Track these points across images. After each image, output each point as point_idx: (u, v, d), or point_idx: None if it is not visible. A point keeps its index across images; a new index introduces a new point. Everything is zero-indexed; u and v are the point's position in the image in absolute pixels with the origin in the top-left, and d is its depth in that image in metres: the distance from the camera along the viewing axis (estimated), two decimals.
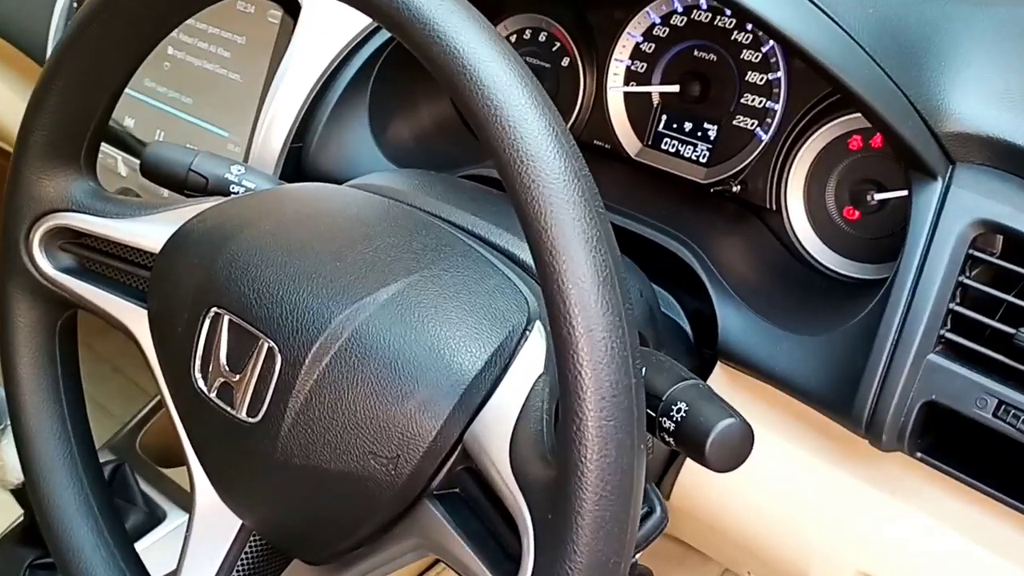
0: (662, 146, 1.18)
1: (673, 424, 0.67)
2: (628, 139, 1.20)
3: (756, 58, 1.09)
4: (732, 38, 1.11)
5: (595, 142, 1.22)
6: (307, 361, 0.69)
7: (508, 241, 0.83)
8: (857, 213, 1.05)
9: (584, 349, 0.54)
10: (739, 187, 1.10)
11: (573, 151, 0.56)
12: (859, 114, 1.02)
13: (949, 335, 0.79)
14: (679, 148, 1.17)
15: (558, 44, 1.24)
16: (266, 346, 0.71)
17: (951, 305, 0.79)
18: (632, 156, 1.19)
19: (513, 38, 1.28)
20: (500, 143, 0.55)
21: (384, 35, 1.17)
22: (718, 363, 0.98)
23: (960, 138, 0.82)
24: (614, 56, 1.20)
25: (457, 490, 0.70)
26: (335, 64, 1.17)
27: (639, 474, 0.56)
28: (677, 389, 0.69)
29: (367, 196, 0.85)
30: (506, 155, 0.55)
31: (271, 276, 0.73)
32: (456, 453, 0.69)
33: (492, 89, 0.56)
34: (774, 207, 1.09)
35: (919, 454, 0.82)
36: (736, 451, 0.66)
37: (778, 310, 0.93)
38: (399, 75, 1.21)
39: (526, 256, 0.82)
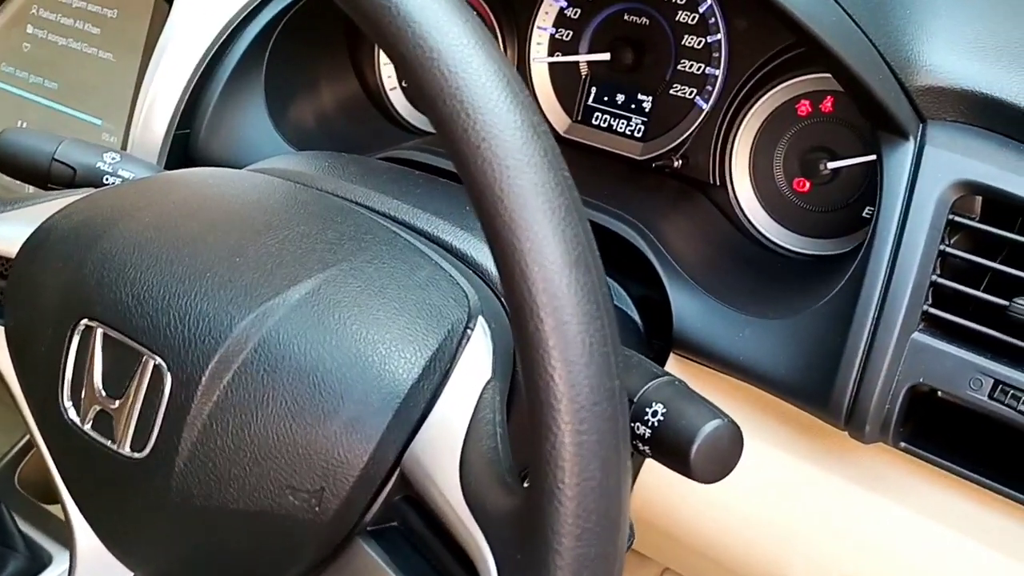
0: (593, 121, 1.08)
1: (649, 430, 0.57)
2: (555, 115, 1.10)
3: (693, 19, 1.01)
4: None
5: None
6: (204, 380, 0.57)
7: (439, 227, 0.71)
8: (808, 184, 0.97)
9: (556, 347, 0.43)
10: (680, 162, 1.01)
11: (529, 102, 0.45)
12: (807, 77, 0.95)
13: (933, 311, 0.71)
14: (612, 123, 1.07)
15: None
16: (152, 364, 0.58)
17: (934, 277, 0.71)
18: (561, 134, 1.09)
19: None
20: (439, 93, 0.44)
21: (280, 2, 1.04)
22: (671, 354, 0.89)
23: (932, 92, 0.75)
24: (536, 24, 1.09)
25: (396, 523, 0.59)
26: (223, 37, 1.03)
27: (626, 497, 0.46)
28: (651, 388, 0.59)
29: (269, 180, 0.73)
30: (447, 107, 0.43)
31: (154, 278, 0.60)
32: (393, 480, 0.57)
33: (426, 27, 0.44)
34: (718, 182, 1.00)
35: (903, 444, 0.74)
36: (725, 458, 0.56)
37: (737, 293, 0.84)
38: (298, 49, 1.08)
39: (461, 244, 0.71)
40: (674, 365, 0.88)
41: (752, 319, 0.81)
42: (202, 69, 1.03)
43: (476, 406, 0.57)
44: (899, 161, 0.74)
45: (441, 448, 0.56)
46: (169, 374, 0.58)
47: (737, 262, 0.91)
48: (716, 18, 0.99)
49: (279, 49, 1.06)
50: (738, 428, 0.57)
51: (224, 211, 0.66)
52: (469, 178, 0.44)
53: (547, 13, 1.09)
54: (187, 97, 1.03)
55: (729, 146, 1.00)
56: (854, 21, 0.72)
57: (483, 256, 0.70)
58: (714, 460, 0.56)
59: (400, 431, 0.57)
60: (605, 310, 0.45)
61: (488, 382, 0.59)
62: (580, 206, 0.46)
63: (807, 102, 0.95)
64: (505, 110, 0.44)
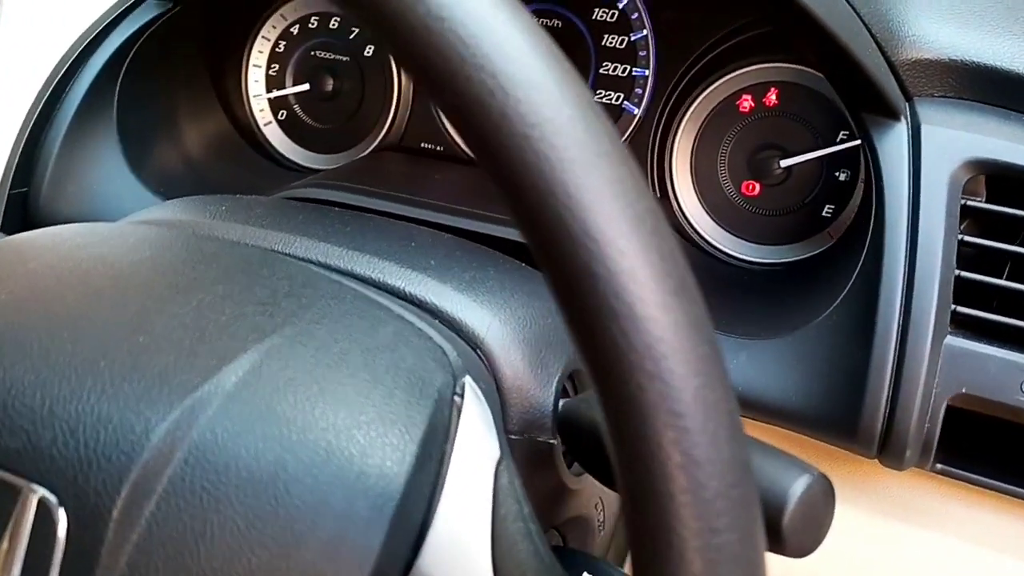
0: None
1: None
2: None
3: (612, 16, 0.91)
4: None
5: (423, 145, 0.98)
6: (116, 514, 0.40)
7: (385, 271, 0.57)
8: (757, 187, 0.88)
9: (671, 412, 0.30)
10: None
11: (585, 89, 0.32)
12: (747, 69, 0.86)
13: (963, 310, 0.63)
14: None
15: (356, 30, 0.99)
16: (35, 498, 0.41)
17: (958, 271, 0.63)
18: (472, 156, 0.96)
19: (295, 29, 1.01)
20: (458, 65, 0.30)
21: (127, 29, 0.86)
22: None
23: (919, 67, 0.67)
24: None
25: None
26: (62, 71, 0.85)
27: None
28: None
29: (160, 232, 0.56)
30: (471, 82, 0.30)
31: (25, 377, 0.43)
32: None
33: None
34: (659, 193, 0.90)
35: (939, 466, 0.65)
36: (820, 523, 0.44)
37: (717, 314, 0.73)
38: (154, 81, 0.91)
39: (417, 288, 0.57)
40: None
41: (745, 341, 0.70)
42: (38, 111, 0.84)
43: (494, 499, 0.43)
44: (894, 145, 0.66)
45: (461, 563, 0.41)
46: (63, 510, 0.41)
47: (703, 279, 0.81)
48: (639, 12, 0.89)
49: (131, 82, 0.88)
50: (828, 481, 0.45)
51: (110, 276, 0.49)
52: (512, 179, 0.31)
53: None
54: (21, 147, 0.84)
55: (667, 153, 0.90)
56: None
57: (446, 301, 0.57)
58: (810, 528, 0.44)
59: (400, 546, 0.42)
60: (719, 351, 0.32)
61: (499, 463, 0.45)
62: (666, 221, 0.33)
63: (749, 96, 0.87)
64: (559, 92, 0.31)
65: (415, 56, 0.31)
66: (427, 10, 0.30)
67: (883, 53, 0.65)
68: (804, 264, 0.83)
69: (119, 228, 0.56)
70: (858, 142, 0.82)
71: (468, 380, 0.49)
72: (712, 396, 0.30)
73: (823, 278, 0.73)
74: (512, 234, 0.75)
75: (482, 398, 0.49)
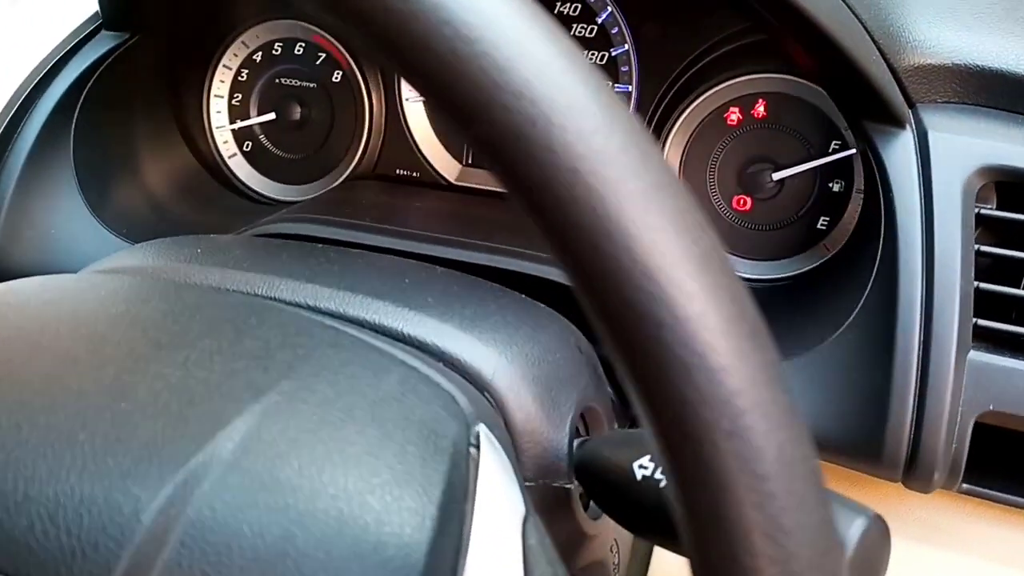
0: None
1: None
2: (442, 161, 0.93)
3: (591, 32, 0.88)
4: (556, 11, 0.88)
5: (398, 172, 0.95)
6: None
7: (381, 312, 0.53)
8: (749, 202, 0.86)
9: (750, 472, 0.26)
10: None
11: (633, 113, 0.29)
12: (733, 81, 0.84)
13: (984, 322, 0.60)
14: None
15: (323, 55, 0.95)
16: None
17: (977, 283, 0.60)
18: (451, 181, 0.93)
19: (258, 56, 0.97)
20: (498, 99, 0.26)
21: (81, 63, 0.82)
22: None
23: (921, 72, 0.64)
24: None
25: None
26: (12, 113, 0.80)
27: None
28: None
29: (131, 282, 0.52)
30: (518, 115, 0.26)
31: None
32: None
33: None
34: None
35: (965, 486, 0.62)
36: (878, 566, 0.41)
37: None
38: (111, 116, 0.86)
39: (417, 330, 0.53)
40: None
41: None
42: None
43: (525, 563, 0.39)
44: (901, 154, 0.63)
45: None
46: None
47: None
48: (620, 27, 0.86)
49: (88, 120, 0.83)
50: (884, 523, 0.42)
51: (83, 335, 0.44)
52: (559, 219, 0.27)
53: None
54: None
55: None
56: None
57: (449, 341, 0.53)
58: (868, 572, 0.40)
59: None
60: (795, 398, 0.29)
61: (525, 521, 0.42)
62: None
63: (737, 108, 0.84)
64: (600, 108, 0.27)
65: (441, 84, 0.27)
66: (455, 32, 0.27)
67: (885, 59, 0.63)
68: (802, 279, 0.81)
69: (88, 280, 0.52)
70: (851, 152, 0.80)
71: (483, 428, 0.46)
72: (797, 452, 0.27)
73: (826, 294, 0.70)
74: (504, 262, 0.71)
75: (499, 447, 0.45)
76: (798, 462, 0.27)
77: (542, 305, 0.61)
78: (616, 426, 0.62)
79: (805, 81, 0.80)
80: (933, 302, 0.59)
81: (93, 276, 0.53)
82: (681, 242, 0.26)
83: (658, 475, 0.46)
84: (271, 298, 0.54)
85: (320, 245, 0.63)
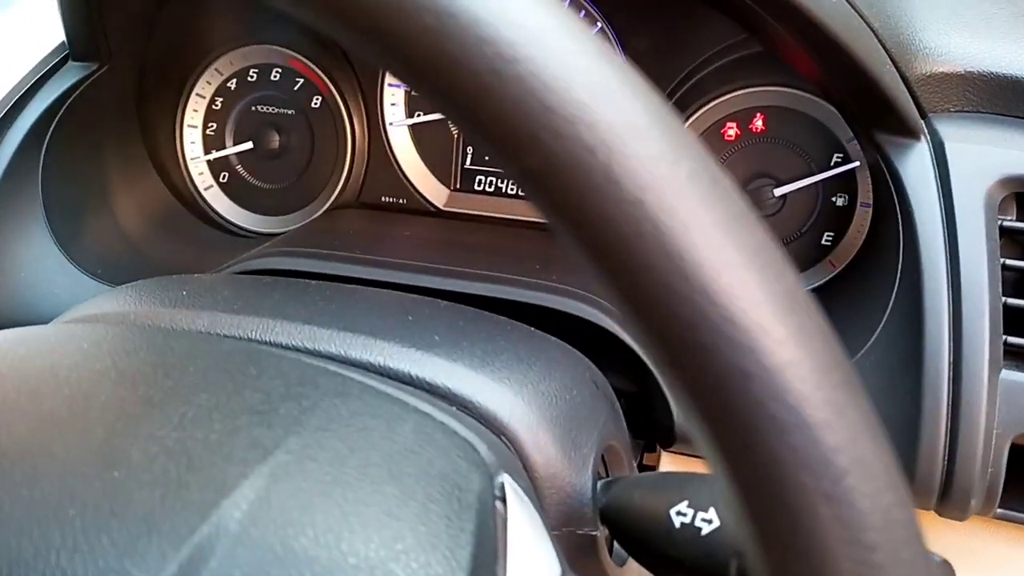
0: (476, 186, 0.89)
1: None
2: (429, 187, 0.90)
3: None
4: None
5: (384, 199, 0.91)
6: None
7: (387, 354, 0.50)
8: None
9: (863, 571, 0.23)
10: None
11: (695, 135, 0.26)
12: (730, 96, 0.81)
13: (1016, 340, 0.58)
14: (499, 184, 0.89)
15: (301, 81, 0.92)
16: None
17: (1005, 298, 0.58)
18: (440, 207, 0.89)
19: (233, 83, 0.93)
20: (549, 125, 0.23)
21: (48, 96, 0.77)
22: (662, 454, 0.71)
23: (933, 81, 0.62)
24: (387, 81, 0.89)
25: None
26: None
27: None
28: None
29: (118, 332, 0.48)
30: (573, 142, 0.23)
31: None
32: None
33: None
34: None
35: (999, 510, 0.59)
36: None
37: None
38: (78, 154, 0.81)
39: (426, 371, 0.49)
40: (672, 467, 0.70)
41: None
42: None
43: None
44: (918, 167, 0.61)
45: None
46: None
47: None
48: (609, 43, 0.83)
49: (56, 154, 0.79)
50: (951, 568, 0.39)
51: (66, 394, 0.40)
52: (621, 259, 0.24)
53: None
54: None
55: None
56: (851, 4, 0.58)
57: (460, 383, 0.49)
58: None
59: None
60: (893, 455, 0.25)
61: None
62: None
63: (733, 124, 0.81)
64: (665, 130, 0.24)
65: (481, 112, 0.24)
66: (496, 52, 0.23)
67: (897, 68, 0.61)
68: (819, 294, 0.78)
69: (67, 331, 0.48)
70: (855, 164, 0.77)
71: (507, 479, 0.42)
72: (903, 515, 0.23)
73: (840, 313, 0.67)
74: (504, 292, 0.68)
75: (525, 499, 0.42)
76: (905, 527, 0.23)
77: (552, 338, 0.57)
78: (635, 463, 0.59)
79: (805, 93, 0.78)
80: (961, 319, 0.57)
81: (72, 327, 0.49)
82: (764, 280, 0.23)
83: (699, 522, 0.43)
84: (267, 342, 0.50)
85: (312, 282, 0.59)
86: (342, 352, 0.49)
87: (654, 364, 0.25)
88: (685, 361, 0.23)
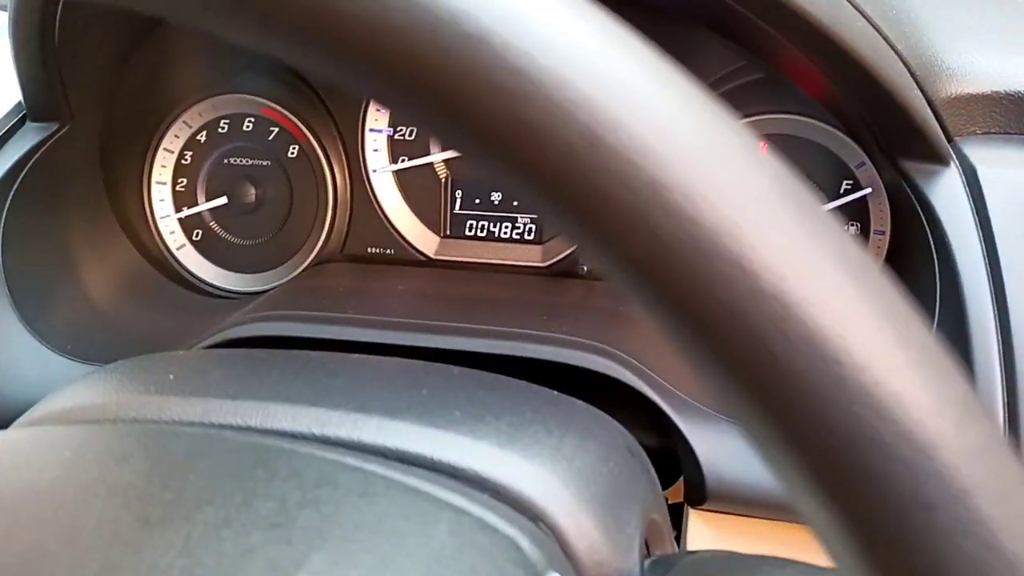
0: (467, 232, 0.85)
1: None
2: (418, 235, 0.85)
3: None
4: None
5: (370, 250, 0.86)
6: None
7: (410, 437, 0.44)
8: None
9: None
10: None
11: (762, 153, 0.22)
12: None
13: None
14: (491, 229, 0.84)
15: (276, 130, 0.87)
16: None
17: None
18: (430, 256, 0.85)
19: (203, 136, 0.88)
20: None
21: (6, 161, 0.72)
22: (691, 512, 0.66)
23: (959, 103, 0.59)
24: (368, 125, 0.85)
25: None
26: None
27: None
28: None
29: (103, 433, 0.42)
30: (675, 203, 0.19)
31: None
32: None
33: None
34: None
35: None
36: None
37: None
38: (40, 221, 0.76)
39: (454, 456, 0.44)
40: (701, 525, 0.65)
41: None
42: None
43: None
44: (951, 194, 0.57)
45: None
46: None
47: None
48: None
49: (16, 223, 0.73)
50: None
51: (50, 517, 0.35)
52: (758, 356, 0.19)
53: (378, 109, 0.84)
54: None
55: None
56: (874, 26, 0.55)
57: (489, 465, 0.44)
58: None
59: None
60: None
61: None
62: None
63: None
64: (736, 150, 0.20)
65: (567, 189, 0.19)
66: (591, 118, 0.19)
67: (922, 91, 0.57)
68: None
69: (43, 436, 0.42)
70: (866, 191, 0.74)
71: None
72: None
73: None
74: (512, 348, 0.63)
75: None
76: None
77: (578, 402, 0.53)
78: (672, 535, 0.54)
79: (810, 119, 0.75)
80: (1014, 359, 0.53)
81: (49, 432, 0.43)
82: (936, 381, 0.19)
83: None
84: (271, 431, 0.45)
85: (311, 353, 0.54)
86: (355, 437, 0.44)
87: (792, 489, 0.20)
88: (843, 489, 0.19)
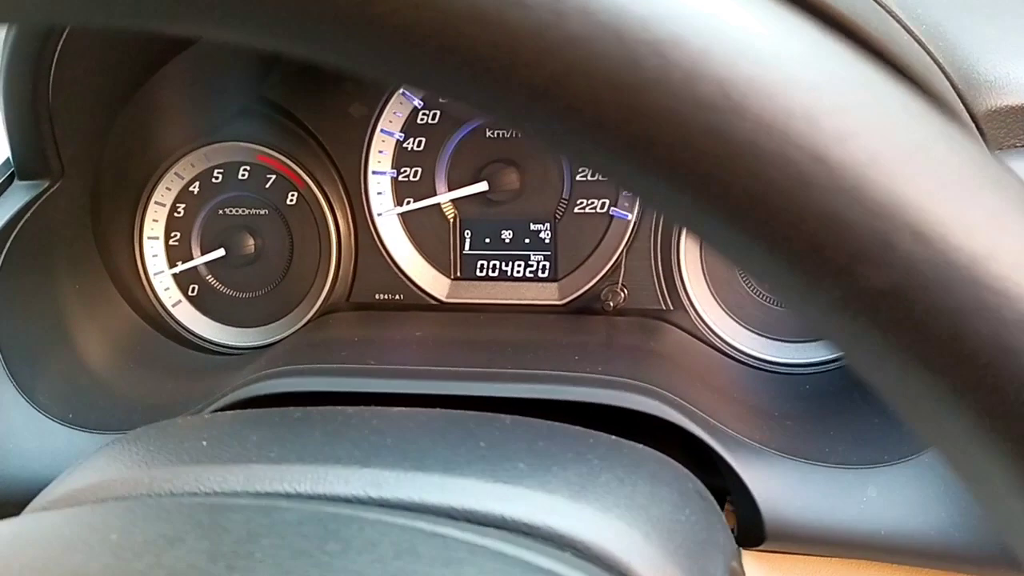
0: (479, 272, 0.81)
1: None
2: (428, 278, 0.82)
3: None
4: None
5: (378, 297, 0.82)
6: None
7: (476, 494, 0.41)
8: None
9: None
10: (623, 293, 0.77)
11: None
12: None
13: None
14: (504, 268, 0.81)
15: (273, 177, 0.83)
16: None
17: None
18: (442, 300, 0.81)
19: (196, 187, 0.84)
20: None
21: None
22: (742, 553, 0.63)
23: (1000, 115, 0.57)
24: (371, 167, 0.82)
25: None
26: None
27: None
28: None
29: (145, 511, 0.38)
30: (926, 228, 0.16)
31: None
32: None
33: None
34: (671, 304, 0.77)
35: None
36: None
37: (822, 442, 0.61)
38: (30, 284, 0.71)
39: (525, 511, 0.41)
40: (755, 566, 0.62)
41: (867, 471, 0.57)
42: None
43: None
44: None
45: None
46: None
47: (783, 401, 0.68)
48: None
49: (6, 289, 0.69)
50: None
51: None
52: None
53: (381, 151, 0.81)
54: None
55: (673, 257, 0.77)
56: (918, 41, 0.53)
57: (566, 521, 0.41)
58: None
59: None
60: None
61: None
62: None
63: None
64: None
65: (791, 214, 0.16)
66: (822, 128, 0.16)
67: (964, 104, 0.55)
68: None
69: (78, 517, 0.38)
70: None
71: None
72: None
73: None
74: (559, 392, 0.60)
75: None
76: None
77: (639, 446, 0.50)
78: None
79: None
80: None
81: (82, 512, 0.39)
82: None
83: None
84: (325, 496, 0.41)
85: (349, 409, 0.50)
86: (418, 498, 0.41)
87: None
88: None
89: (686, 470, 0.49)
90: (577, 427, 0.50)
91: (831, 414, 0.65)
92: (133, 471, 0.44)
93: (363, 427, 0.47)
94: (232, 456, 0.44)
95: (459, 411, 0.50)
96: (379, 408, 0.50)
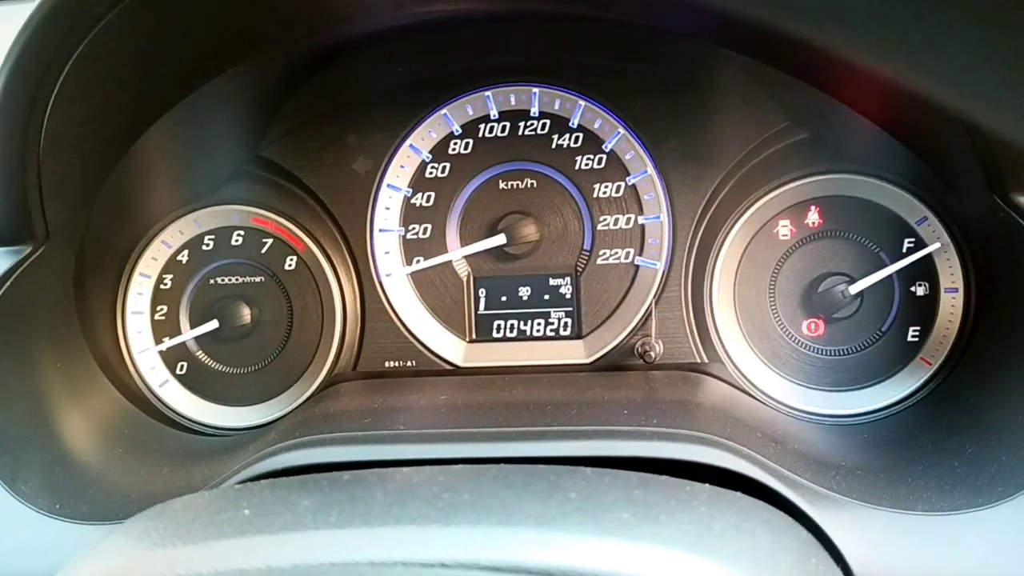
0: (495, 333, 0.76)
1: None
2: (442, 343, 0.76)
3: (600, 162, 0.74)
4: (554, 145, 0.74)
5: (388, 364, 0.76)
6: None
7: (591, 550, 0.35)
8: (821, 325, 0.72)
9: None
10: (659, 345, 0.72)
11: None
12: (778, 191, 0.72)
13: None
14: (523, 327, 0.75)
15: (269, 241, 0.77)
16: None
17: None
18: (459, 364, 0.75)
19: (184, 256, 0.78)
20: None
21: None
22: None
23: None
24: (377, 225, 0.76)
25: None
26: None
27: None
28: None
29: None
30: None
31: None
32: None
33: None
34: (705, 357, 0.72)
35: None
36: None
37: (906, 488, 0.56)
38: (8, 369, 0.64)
39: (654, 567, 0.35)
40: None
41: (960, 517, 0.52)
42: None
43: None
44: None
45: None
46: None
47: (845, 451, 0.63)
48: (635, 151, 0.73)
49: None
50: None
51: None
52: None
53: (387, 208, 0.76)
54: None
55: (705, 307, 0.73)
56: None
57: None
58: None
59: None
60: None
61: None
62: None
63: (787, 221, 0.72)
64: None
65: None
66: None
67: None
68: (924, 404, 0.68)
69: None
70: (935, 247, 0.69)
71: None
72: None
73: (975, 418, 0.57)
74: (628, 448, 0.53)
75: None
76: None
77: (737, 493, 0.44)
78: None
79: (862, 176, 0.70)
80: None
81: None
82: None
83: None
84: (404, 563, 0.34)
85: (404, 470, 0.44)
86: (517, 558, 0.34)
87: None
88: None
89: (790, 517, 0.44)
90: (666, 476, 0.44)
91: (904, 461, 0.60)
92: (165, 550, 0.37)
93: (430, 484, 0.41)
94: (283, 524, 0.37)
95: (528, 466, 0.44)
96: (443, 465, 0.44)
